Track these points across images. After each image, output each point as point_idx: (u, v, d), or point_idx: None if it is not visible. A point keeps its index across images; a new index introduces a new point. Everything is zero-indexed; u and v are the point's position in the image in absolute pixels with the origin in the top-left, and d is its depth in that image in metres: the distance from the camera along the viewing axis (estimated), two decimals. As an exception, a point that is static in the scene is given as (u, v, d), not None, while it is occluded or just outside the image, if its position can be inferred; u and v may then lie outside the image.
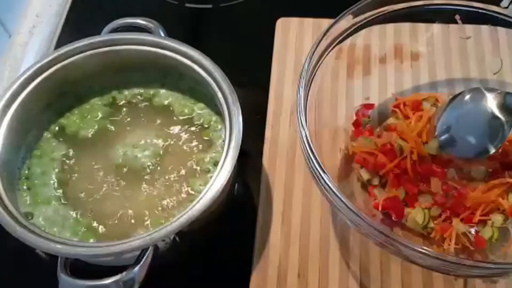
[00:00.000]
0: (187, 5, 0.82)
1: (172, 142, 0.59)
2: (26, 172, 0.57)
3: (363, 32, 0.62)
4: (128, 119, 0.61)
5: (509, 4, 0.61)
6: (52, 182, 0.57)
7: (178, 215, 0.50)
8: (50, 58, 0.58)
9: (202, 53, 0.58)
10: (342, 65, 0.65)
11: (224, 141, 0.54)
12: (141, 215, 0.55)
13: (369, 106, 0.67)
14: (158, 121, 0.60)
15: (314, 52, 0.57)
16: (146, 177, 0.57)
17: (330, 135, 0.63)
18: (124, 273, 0.48)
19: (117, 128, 0.60)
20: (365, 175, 0.62)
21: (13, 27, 0.80)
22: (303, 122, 0.53)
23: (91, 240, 0.54)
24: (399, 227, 0.60)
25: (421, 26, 0.69)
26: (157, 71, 0.62)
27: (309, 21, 0.76)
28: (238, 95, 0.56)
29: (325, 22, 0.72)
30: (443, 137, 0.59)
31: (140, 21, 0.62)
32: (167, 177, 0.57)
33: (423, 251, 0.46)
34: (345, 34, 0.60)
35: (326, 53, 0.59)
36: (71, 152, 0.59)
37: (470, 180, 0.59)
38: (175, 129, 0.60)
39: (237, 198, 0.65)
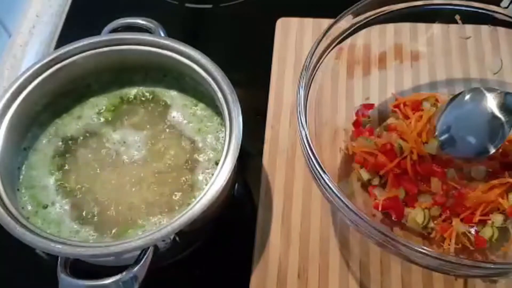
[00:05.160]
0: (187, 5, 0.82)
1: (171, 142, 0.59)
2: (26, 172, 0.57)
3: (363, 32, 0.62)
4: (128, 118, 0.61)
5: (509, 4, 0.61)
6: (51, 182, 0.57)
7: (178, 215, 0.50)
8: (50, 58, 0.58)
9: (202, 53, 0.58)
10: (342, 65, 0.65)
11: (224, 141, 0.54)
12: (141, 214, 0.55)
13: (369, 106, 0.67)
14: (158, 121, 0.60)
15: (314, 52, 0.57)
16: (146, 176, 0.57)
17: (330, 135, 0.63)
18: (124, 273, 0.48)
19: (117, 127, 0.60)
20: (365, 175, 0.62)
21: (13, 27, 0.80)
22: (303, 122, 0.53)
23: (91, 240, 0.54)
24: (399, 227, 0.60)
25: (421, 26, 0.69)
26: (157, 71, 0.62)
27: (309, 21, 0.76)
28: (238, 95, 0.56)
29: (325, 22, 0.72)
30: (443, 137, 0.59)
31: (140, 21, 0.62)
32: (167, 176, 0.57)
33: (423, 251, 0.46)
34: (345, 34, 0.61)
35: (326, 53, 0.59)
36: (70, 152, 0.59)
37: (470, 180, 0.59)
38: (175, 128, 0.60)
39: (237, 198, 0.65)
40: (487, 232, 0.57)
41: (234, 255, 0.62)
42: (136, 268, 0.48)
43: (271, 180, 0.65)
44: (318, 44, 0.57)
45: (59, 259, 0.49)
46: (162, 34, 0.61)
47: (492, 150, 0.57)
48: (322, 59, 0.59)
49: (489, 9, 0.62)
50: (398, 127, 0.62)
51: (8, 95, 0.56)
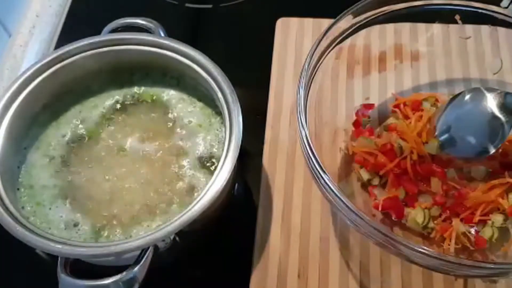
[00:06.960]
0: (187, 5, 0.82)
1: (171, 142, 0.59)
2: (26, 171, 0.57)
3: (363, 32, 0.62)
4: (127, 118, 0.61)
5: (509, 4, 0.61)
6: (51, 182, 0.57)
7: (178, 215, 0.50)
8: (50, 58, 0.58)
9: (202, 53, 0.58)
10: (342, 65, 0.65)
11: (224, 141, 0.54)
12: (141, 214, 0.55)
13: (369, 106, 0.67)
14: (158, 121, 0.60)
15: (314, 52, 0.57)
16: (145, 176, 0.57)
17: (330, 135, 0.63)
18: (124, 273, 0.48)
19: (116, 127, 0.60)
20: (365, 175, 0.62)
21: (13, 27, 0.80)
22: (303, 122, 0.53)
23: (91, 240, 0.54)
24: (399, 227, 0.60)
25: (421, 26, 0.70)
26: (157, 71, 0.62)
27: (309, 21, 0.76)
28: (238, 95, 0.56)
29: (325, 22, 0.72)
30: (443, 137, 0.59)
31: (140, 21, 0.62)
32: (167, 176, 0.57)
33: (423, 251, 0.46)
34: (345, 34, 0.61)
35: (326, 53, 0.59)
36: (70, 152, 0.59)
37: (470, 180, 0.59)
38: (175, 128, 0.60)
39: (237, 198, 0.65)
40: (487, 232, 0.57)
41: (234, 255, 0.62)
42: (136, 268, 0.48)
43: (271, 180, 0.65)
44: (318, 44, 0.57)
45: (59, 259, 0.49)
46: (162, 34, 0.61)
47: (492, 150, 0.57)
48: (322, 59, 0.59)
49: (489, 9, 0.62)
50: (398, 127, 0.62)
51: (8, 95, 0.56)
